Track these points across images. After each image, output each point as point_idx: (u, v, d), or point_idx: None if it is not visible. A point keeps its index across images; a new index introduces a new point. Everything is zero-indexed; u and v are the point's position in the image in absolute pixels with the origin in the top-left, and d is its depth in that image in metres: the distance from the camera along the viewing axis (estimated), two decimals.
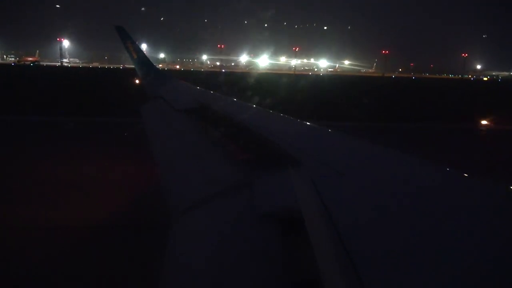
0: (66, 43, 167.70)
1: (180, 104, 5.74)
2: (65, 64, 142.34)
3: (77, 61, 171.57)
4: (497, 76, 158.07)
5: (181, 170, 3.16)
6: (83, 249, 6.40)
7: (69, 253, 6.18)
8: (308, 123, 4.07)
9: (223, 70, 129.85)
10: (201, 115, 4.69)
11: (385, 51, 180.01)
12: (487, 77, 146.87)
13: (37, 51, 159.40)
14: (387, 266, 1.24)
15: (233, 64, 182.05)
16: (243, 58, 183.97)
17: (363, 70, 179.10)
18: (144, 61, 7.70)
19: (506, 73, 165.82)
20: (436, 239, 1.34)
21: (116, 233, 6.95)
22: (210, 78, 52.22)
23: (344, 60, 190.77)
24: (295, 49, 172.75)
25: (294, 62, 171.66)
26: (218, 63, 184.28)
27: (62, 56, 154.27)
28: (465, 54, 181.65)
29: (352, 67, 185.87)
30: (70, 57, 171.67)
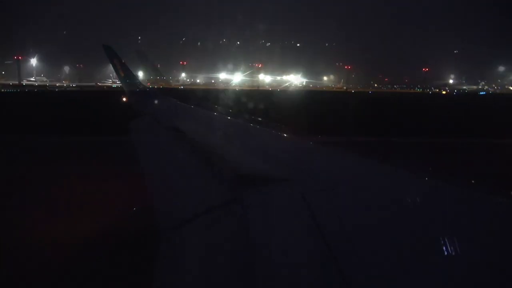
0: (34, 61, 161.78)
1: (167, 120, 5.85)
2: (22, 83, 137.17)
3: (44, 79, 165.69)
4: (465, 89, 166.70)
5: (170, 187, 3.15)
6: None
7: None
8: (296, 137, 4.18)
9: (181, 87, 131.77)
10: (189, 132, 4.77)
11: (348, 66, 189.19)
12: (446, 91, 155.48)
13: None
14: (377, 279, 1.25)
15: (212, 81, 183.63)
16: (222, 75, 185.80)
17: (332, 85, 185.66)
18: (131, 79, 7.82)
19: (474, 87, 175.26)
20: (430, 254, 1.35)
21: (106, 248, 6.91)
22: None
23: (319, 75, 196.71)
24: (258, 65, 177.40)
25: (264, 78, 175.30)
26: (198, 80, 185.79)
27: (20, 75, 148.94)
28: (426, 69, 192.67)
29: (321, 82, 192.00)
30: (36, 76, 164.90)
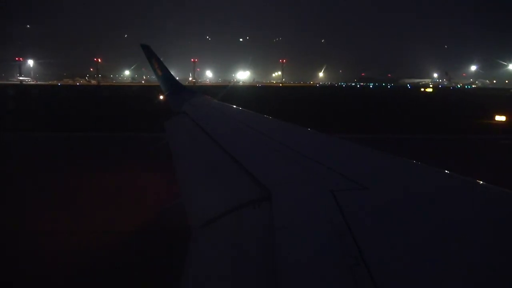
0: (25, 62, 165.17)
1: (204, 119, 5.84)
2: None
3: (26, 80, 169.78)
4: (418, 83, 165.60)
5: (200, 184, 3.18)
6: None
7: None
8: (323, 134, 4.07)
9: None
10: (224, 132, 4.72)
11: (283, 60, 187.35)
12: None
13: None
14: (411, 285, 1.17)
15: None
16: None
17: (273, 81, 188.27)
18: (168, 78, 7.91)
19: (428, 80, 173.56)
20: (480, 269, 1.24)
21: (137, 242, 7.06)
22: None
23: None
24: (193, 60, 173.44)
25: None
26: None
27: None
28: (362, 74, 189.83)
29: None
30: (19, 76, 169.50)
